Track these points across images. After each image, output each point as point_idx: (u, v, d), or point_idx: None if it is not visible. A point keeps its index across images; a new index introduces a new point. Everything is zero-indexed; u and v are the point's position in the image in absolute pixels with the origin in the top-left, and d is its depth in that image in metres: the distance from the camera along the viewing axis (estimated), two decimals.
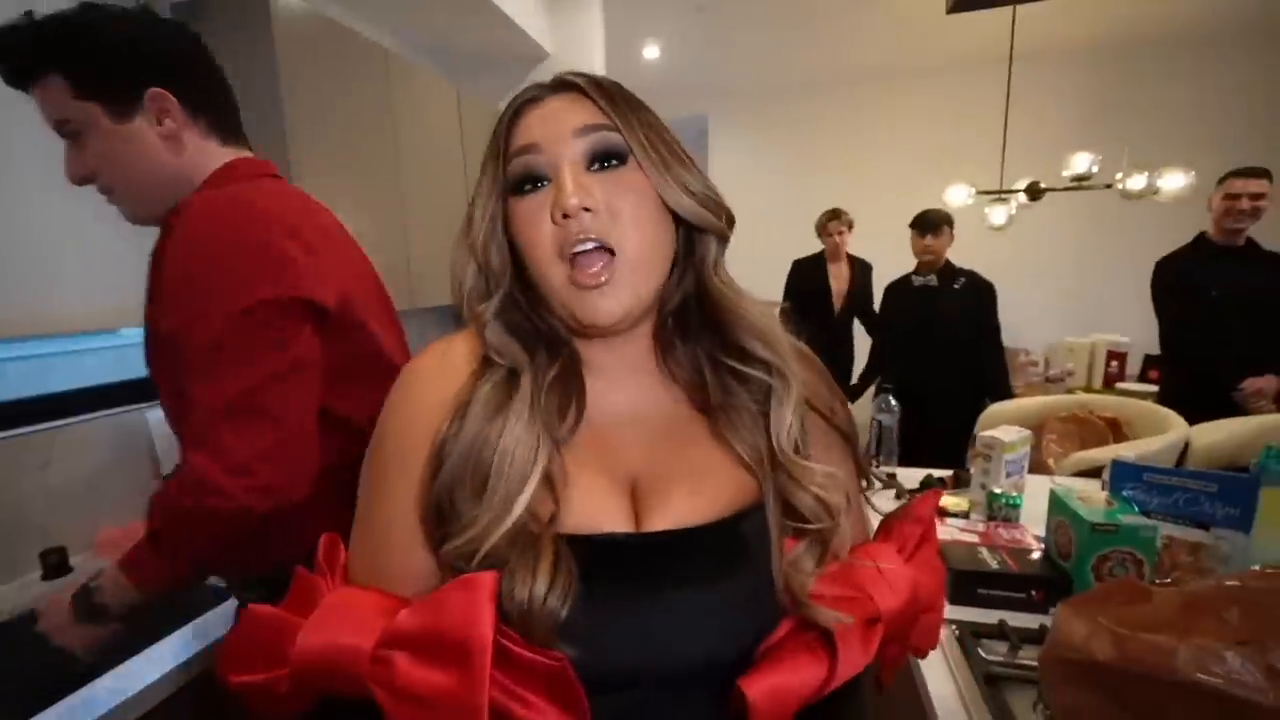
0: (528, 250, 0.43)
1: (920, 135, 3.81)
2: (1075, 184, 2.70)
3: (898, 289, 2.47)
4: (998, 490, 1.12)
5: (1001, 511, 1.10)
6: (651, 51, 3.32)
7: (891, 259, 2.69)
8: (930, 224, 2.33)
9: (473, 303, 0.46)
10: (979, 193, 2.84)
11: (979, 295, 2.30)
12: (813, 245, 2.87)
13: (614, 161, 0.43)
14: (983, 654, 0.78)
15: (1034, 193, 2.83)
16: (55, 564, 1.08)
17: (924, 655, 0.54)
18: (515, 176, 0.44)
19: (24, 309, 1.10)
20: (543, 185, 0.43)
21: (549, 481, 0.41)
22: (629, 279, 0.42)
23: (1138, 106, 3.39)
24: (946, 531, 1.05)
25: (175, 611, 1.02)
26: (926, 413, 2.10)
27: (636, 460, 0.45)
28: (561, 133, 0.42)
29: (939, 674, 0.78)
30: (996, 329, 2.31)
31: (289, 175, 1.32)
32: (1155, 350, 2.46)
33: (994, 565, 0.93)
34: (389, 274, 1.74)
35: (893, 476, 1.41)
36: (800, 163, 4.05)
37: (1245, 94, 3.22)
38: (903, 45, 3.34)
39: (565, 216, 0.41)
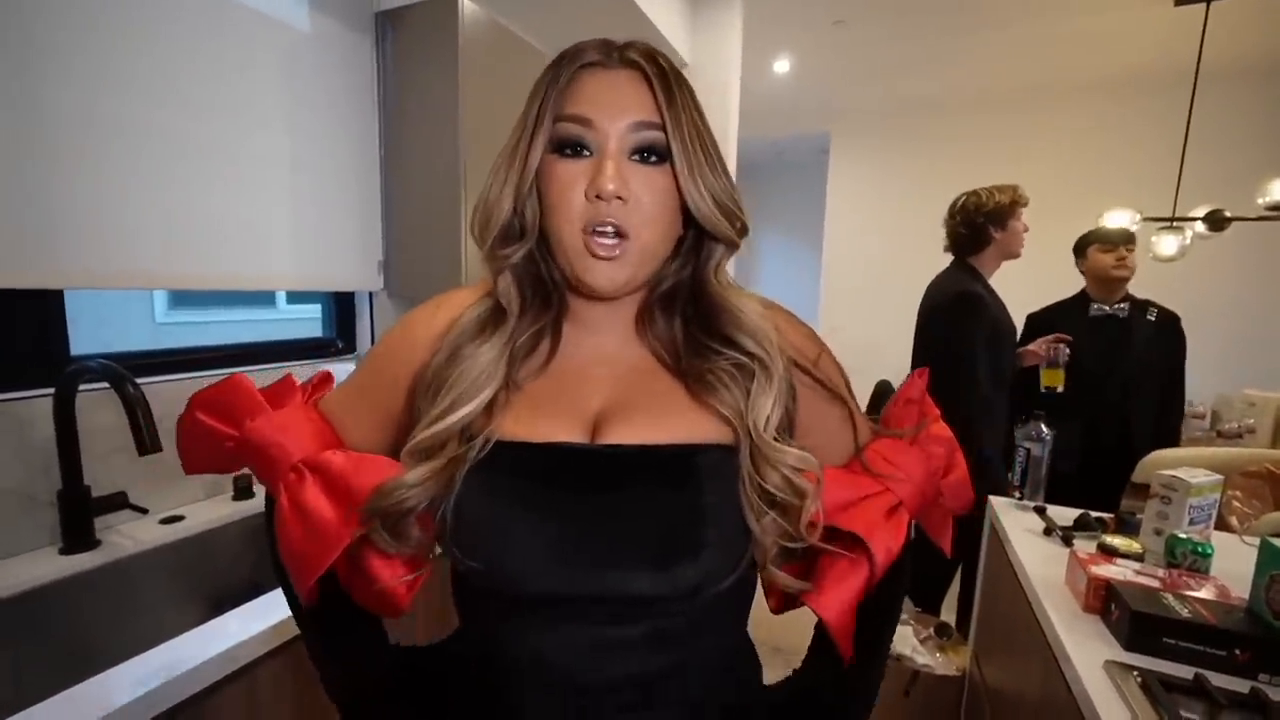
0: (553, 208, 0.46)
1: (1070, 157, 3.51)
2: (1273, 213, 2.36)
3: (1069, 318, 1.95)
4: (1181, 535, 0.99)
5: (1187, 560, 0.97)
6: (782, 65, 3.32)
7: (1030, 290, 2.20)
8: (1122, 236, 1.86)
9: (498, 244, 0.48)
10: (1145, 219, 2.55)
11: (1173, 329, 1.90)
12: (936, 261, 2.00)
13: (653, 158, 0.46)
14: (1181, 711, 0.69)
15: (1215, 222, 2.50)
16: (243, 488, 1.24)
17: (961, 513, 0.56)
18: (562, 138, 0.46)
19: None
20: (585, 155, 0.45)
21: (490, 408, 0.46)
22: (634, 260, 0.46)
23: None
24: (1119, 571, 0.93)
25: None
26: (1090, 456, 1.84)
27: (602, 397, 0.49)
28: (616, 120, 0.44)
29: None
30: (1183, 370, 1.94)
31: (459, 167, 1.45)
32: None
33: (1184, 614, 0.82)
34: None
35: (1042, 510, 1.28)
36: (927, 184, 3.84)
37: None
38: (1060, 61, 3.10)
39: (599, 197, 0.44)
